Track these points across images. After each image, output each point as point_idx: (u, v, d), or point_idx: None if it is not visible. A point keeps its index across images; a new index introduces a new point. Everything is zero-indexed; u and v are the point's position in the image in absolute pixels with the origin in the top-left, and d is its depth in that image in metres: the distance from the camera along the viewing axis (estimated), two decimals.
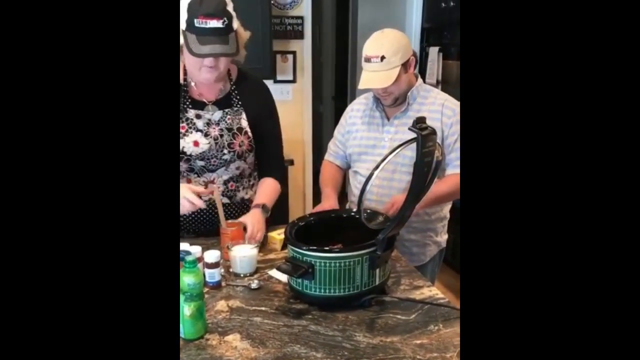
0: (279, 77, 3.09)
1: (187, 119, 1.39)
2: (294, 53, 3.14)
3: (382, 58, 1.47)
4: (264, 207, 1.42)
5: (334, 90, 4.72)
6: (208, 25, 1.23)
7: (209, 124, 1.40)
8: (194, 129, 1.38)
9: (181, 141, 1.36)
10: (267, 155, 1.54)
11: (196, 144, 1.38)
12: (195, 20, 1.23)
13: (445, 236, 1.77)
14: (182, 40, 1.28)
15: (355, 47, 4.01)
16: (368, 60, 1.50)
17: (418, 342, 0.99)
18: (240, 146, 1.44)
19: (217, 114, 1.41)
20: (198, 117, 1.40)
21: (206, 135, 1.39)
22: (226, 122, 1.42)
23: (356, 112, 1.72)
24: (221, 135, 1.41)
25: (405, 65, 1.52)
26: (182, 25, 1.26)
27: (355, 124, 1.70)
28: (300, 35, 3.12)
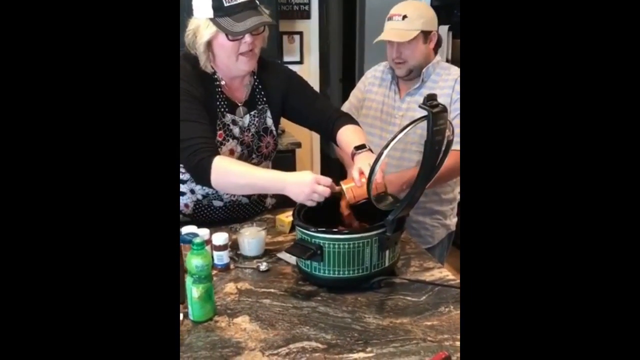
0: (285, 59, 3.05)
1: (225, 124, 1.31)
2: (300, 34, 3.09)
3: (404, 17, 1.47)
4: (364, 146, 1.25)
5: (342, 73, 4.66)
6: (239, 1, 1.18)
7: (242, 130, 1.35)
8: (231, 136, 1.33)
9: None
10: (322, 112, 1.40)
11: (232, 152, 1.33)
12: (224, 1, 1.17)
13: (455, 219, 1.74)
14: (209, 35, 1.20)
15: (363, 29, 3.94)
16: (390, 18, 1.50)
17: (428, 323, 0.98)
18: (267, 147, 1.40)
19: (246, 119, 1.36)
20: (234, 123, 1.33)
21: (242, 143, 1.35)
22: (255, 125, 1.37)
23: (375, 79, 1.69)
24: (252, 141, 1.37)
25: (426, 35, 1.50)
26: (209, 14, 1.18)
27: (371, 91, 1.67)
28: (307, 15, 3.07)
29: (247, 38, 1.21)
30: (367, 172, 1.10)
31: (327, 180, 1.10)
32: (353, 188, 1.14)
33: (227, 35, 1.19)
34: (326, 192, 1.09)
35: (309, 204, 1.11)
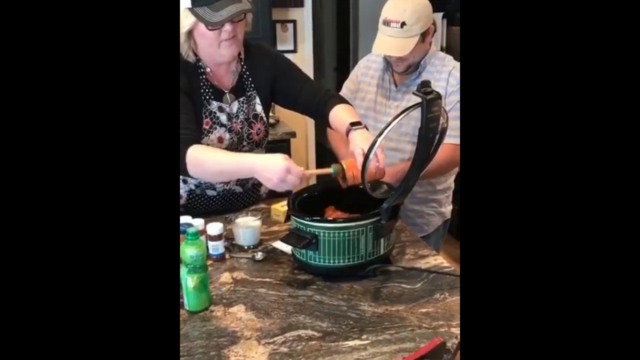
0: (279, 47, 3.02)
1: (211, 112, 1.30)
2: (294, 22, 3.06)
3: (403, 24, 1.40)
4: (360, 123, 1.22)
5: (336, 61, 4.63)
6: None
7: (230, 117, 1.33)
8: (218, 124, 1.31)
9: (205, 139, 1.28)
10: (313, 94, 1.37)
11: (220, 140, 1.31)
12: None
13: (450, 207, 1.75)
14: (189, 25, 1.19)
15: (357, 17, 3.91)
16: (387, 23, 1.42)
17: (424, 310, 0.98)
18: (257, 134, 1.39)
19: (235, 106, 1.34)
20: (221, 110, 1.32)
21: (230, 130, 1.33)
22: (244, 112, 1.35)
23: (368, 69, 1.65)
24: (242, 128, 1.35)
25: (423, 35, 1.46)
26: (186, 3, 1.17)
27: (365, 82, 1.64)
28: (300, 3, 3.04)
29: (227, 26, 1.19)
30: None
31: (298, 171, 1.07)
32: (354, 169, 1.11)
33: (206, 25, 1.18)
34: (295, 182, 1.07)
35: (279, 189, 1.08)
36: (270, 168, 1.07)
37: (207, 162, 1.16)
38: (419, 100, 0.92)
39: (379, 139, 0.95)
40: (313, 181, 1.52)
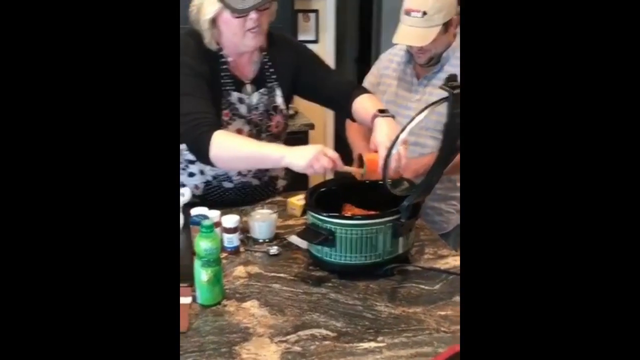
0: (300, 37, 2.99)
1: (230, 103, 1.28)
2: (316, 12, 3.02)
3: (424, 14, 1.36)
4: (387, 111, 1.20)
5: (357, 52, 4.57)
6: None
7: (250, 109, 1.31)
8: (238, 115, 1.29)
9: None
10: (336, 86, 1.35)
11: (239, 132, 1.28)
12: None
13: None
14: (214, 12, 1.16)
15: (381, 6, 3.85)
16: (408, 13, 1.39)
17: (442, 313, 0.95)
18: (277, 127, 1.36)
19: (255, 97, 1.32)
20: (241, 101, 1.29)
21: (249, 122, 1.31)
22: (264, 103, 1.33)
23: (390, 63, 1.61)
24: (261, 120, 1.33)
25: (446, 25, 1.41)
26: None
27: (386, 75, 1.61)
28: None
29: (253, 14, 1.16)
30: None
31: (333, 153, 1.06)
32: (375, 167, 1.10)
33: (231, 12, 1.15)
34: (329, 164, 1.05)
35: (309, 171, 1.06)
36: (300, 153, 1.07)
37: (234, 145, 1.14)
38: (441, 93, 0.88)
39: (402, 135, 0.92)
40: (330, 175, 1.50)
